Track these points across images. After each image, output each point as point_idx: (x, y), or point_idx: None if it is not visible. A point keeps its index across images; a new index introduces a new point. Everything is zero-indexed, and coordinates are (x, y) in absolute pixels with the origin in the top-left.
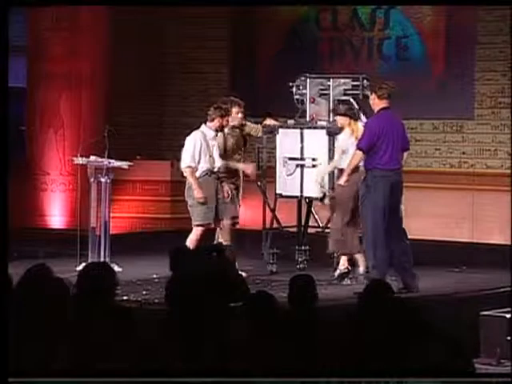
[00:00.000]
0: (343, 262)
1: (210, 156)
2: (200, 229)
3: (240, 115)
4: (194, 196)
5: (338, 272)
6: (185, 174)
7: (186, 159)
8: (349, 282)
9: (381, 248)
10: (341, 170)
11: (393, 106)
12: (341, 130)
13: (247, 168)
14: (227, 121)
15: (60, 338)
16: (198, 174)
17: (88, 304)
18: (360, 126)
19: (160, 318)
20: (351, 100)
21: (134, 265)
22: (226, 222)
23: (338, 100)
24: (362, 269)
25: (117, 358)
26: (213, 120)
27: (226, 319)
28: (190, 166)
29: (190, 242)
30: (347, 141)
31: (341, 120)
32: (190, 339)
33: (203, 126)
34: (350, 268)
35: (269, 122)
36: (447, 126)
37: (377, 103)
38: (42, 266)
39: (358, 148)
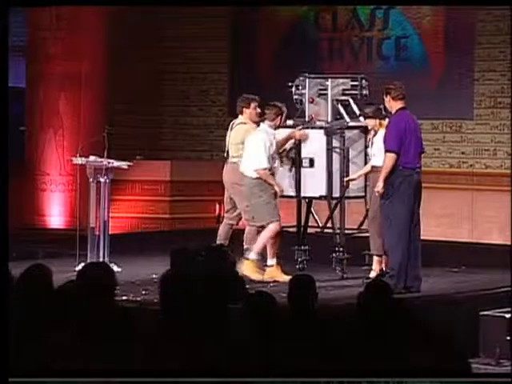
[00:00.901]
0: (378, 263)
1: (271, 155)
2: (277, 224)
3: (258, 110)
4: (273, 192)
5: (373, 273)
6: (247, 173)
7: (264, 160)
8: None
9: (405, 249)
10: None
11: None
12: (369, 130)
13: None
14: (281, 119)
15: (59, 337)
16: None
17: (87, 304)
18: None
19: (159, 318)
20: (348, 98)
21: (133, 265)
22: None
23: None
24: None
25: (116, 358)
26: (273, 119)
27: (226, 319)
28: (266, 168)
29: (266, 240)
30: None
31: (370, 122)
32: (190, 339)
33: (263, 125)
34: (384, 269)
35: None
36: (446, 126)
37: (393, 104)
38: (41, 266)
39: (390, 151)
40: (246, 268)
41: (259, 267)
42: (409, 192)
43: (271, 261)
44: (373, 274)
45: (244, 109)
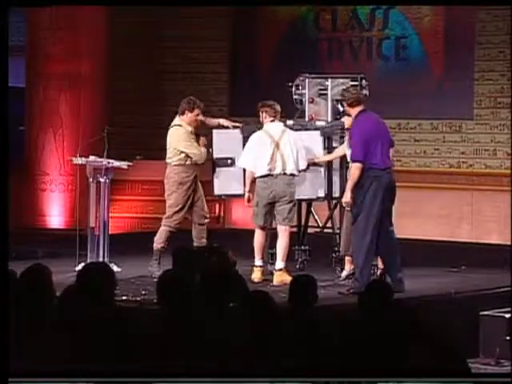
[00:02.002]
0: (349, 263)
1: None
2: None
3: (200, 117)
4: None
5: (344, 273)
6: (299, 170)
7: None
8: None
9: (370, 251)
10: None
11: (392, 106)
12: (346, 130)
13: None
14: None
15: (59, 338)
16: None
17: (87, 304)
18: None
19: (159, 318)
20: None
21: (133, 265)
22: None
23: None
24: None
25: (116, 358)
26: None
27: (225, 319)
28: None
29: (287, 245)
30: None
31: (348, 120)
32: (189, 339)
33: (284, 127)
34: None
35: (224, 122)
36: (446, 126)
37: (352, 111)
38: (41, 266)
39: (356, 161)
40: (280, 276)
41: (288, 271)
42: (379, 193)
43: (280, 264)
44: (344, 274)
45: (186, 111)
